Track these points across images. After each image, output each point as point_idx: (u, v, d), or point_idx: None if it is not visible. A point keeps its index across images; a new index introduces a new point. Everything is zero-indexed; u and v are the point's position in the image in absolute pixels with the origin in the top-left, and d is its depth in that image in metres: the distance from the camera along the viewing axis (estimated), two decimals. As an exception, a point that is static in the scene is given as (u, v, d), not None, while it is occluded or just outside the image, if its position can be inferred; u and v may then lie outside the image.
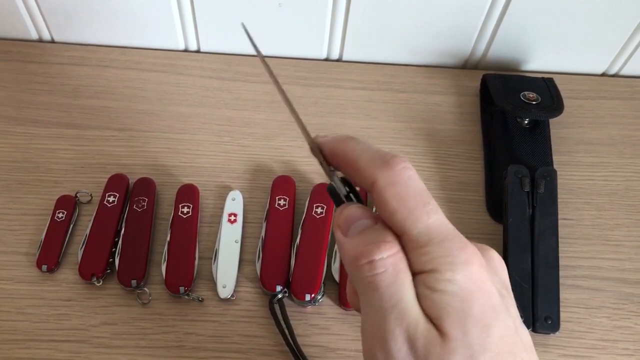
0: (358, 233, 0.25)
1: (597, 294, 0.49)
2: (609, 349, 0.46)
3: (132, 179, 0.52)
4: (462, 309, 0.23)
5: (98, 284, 0.47)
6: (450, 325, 0.22)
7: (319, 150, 0.28)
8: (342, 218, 0.26)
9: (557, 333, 0.46)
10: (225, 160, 0.56)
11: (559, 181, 0.52)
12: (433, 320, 0.23)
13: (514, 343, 0.23)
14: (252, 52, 0.64)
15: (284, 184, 0.52)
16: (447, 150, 0.58)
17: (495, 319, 0.23)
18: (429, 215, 0.24)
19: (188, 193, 0.51)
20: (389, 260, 0.24)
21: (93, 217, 0.49)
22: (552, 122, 0.58)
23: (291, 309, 0.47)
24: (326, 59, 0.65)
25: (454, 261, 0.23)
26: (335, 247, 0.49)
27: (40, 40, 0.65)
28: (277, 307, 0.46)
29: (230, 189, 0.53)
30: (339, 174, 0.28)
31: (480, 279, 0.23)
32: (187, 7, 0.60)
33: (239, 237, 0.49)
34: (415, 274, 0.24)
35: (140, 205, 0.50)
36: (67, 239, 0.49)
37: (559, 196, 0.51)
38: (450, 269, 0.23)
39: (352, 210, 0.26)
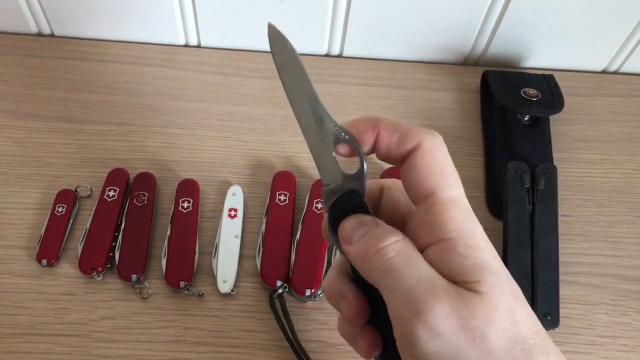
0: (361, 237, 0.26)
1: (597, 290, 0.49)
2: (608, 345, 0.46)
3: (132, 174, 0.52)
4: (494, 270, 0.24)
5: (98, 279, 0.47)
6: (489, 285, 0.24)
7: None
8: (345, 233, 0.27)
9: (556, 329, 0.46)
10: (226, 155, 0.55)
11: (559, 178, 0.52)
12: (466, 283, 0.24)
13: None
14: (253, 47, 0.64)
15: (284, 179, 0.52)
16: (447, 147, 0.58)
17: (515, 283, 0.25)
18: (458, 187, 0.26)
19: (188, 188, 0.51)
20: (398, 244, 0.25)
21: (93, 211, 0.49)
22: (552, 118, 0.58)
23: (291, 304, 0.47)
24: (327, 55, 0.65)
25: (475, 230, 0.25)
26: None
27: (40, 35, 0.65)
28: (277, 302, 0.46)
29: (230, 184, 0.53)
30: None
31: (494, 249, 0.26)
32: (188, 2, 0.60)
33: (239, 232, 0.49)
34: (432, 242, 0.25)
35: (140, 200, 0.50)
36: (67, 234, 0.49)
37: (559, 193, 0.51)
38: (473, 236, 0.25)
39: (350, 222, 0.27)
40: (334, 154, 0.29)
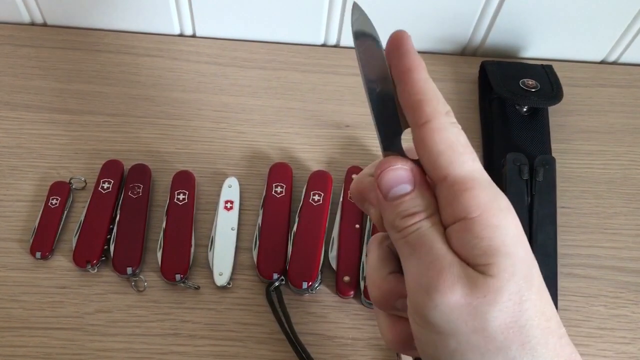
0: (396, 199, 0.26)
1: (595, 282, 0.49)
2: (606, 337, 0.46)
3: (127, 166, 0.52)
4: (508, 252, 0.24)
5: (93, 271, 0.46)
6: (498, 268, 0.24)
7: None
8: (383, 182, 0.27)
9: (554, 321, 0.46)
10: (222, 146, 0.55)
11: (558, 169, 0.52)
12: (478, 265, 0.24)
13: (544, 285, 0.26)
14: (249, 37, 0.63)
15: (280, 171, 0.52)
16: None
17: (534, 262, 0.25)
18: (474, 161, 0.25)
19: (184, 180, 0.51)
20: (418, 224, 0.26)
21: (87, 203, 0.49)
22: (551, 109, 0.58)
23: (288, 296, 0.46)
24: (323, 45, 0.65)
25: (500, 205, 0.25)
26: (333, 235, 0.49)
27: (33, 24, 0.64)
28: (273, 295, 0.46)
29: (226, 175, 0.52)
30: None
31: (519, 224, 0.25)
32: (183, -9, 0.59)
33: (235, 225, 0.49)
34: (455, 221, 0.25)
35: (135, 192, 0.50)
36: (61, 226, 0.48)
37: (557, 184, 0.51)
38: (497, 215, 0.24)
39: (392, 174, 0.27)
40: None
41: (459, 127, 0.26)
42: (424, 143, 0.25)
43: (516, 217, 0.25)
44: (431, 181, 0.27)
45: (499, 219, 0.24)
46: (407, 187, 0.26)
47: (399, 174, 0.27)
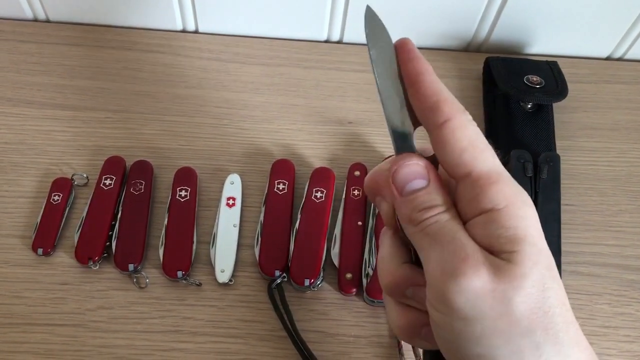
0: (411, 194, 0.27)
1: (599, 280, 0.48)
2: (610, 336, 0.46)
3: (129, 162, 0.52)
4: (533, 242, 0.25)
5: (95, 268, 0.46)
6: (523, 255, 0.24)
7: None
8: (398, 178, 0.27)
9: (558, 319, 0.45)
10: (224, 143, 0.55)
11: (562, 166, 0.51)
12: (503, 252, 0.25)
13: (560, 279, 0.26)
14: (251, 33, 0.63)
15: (283, 168, 0.51)
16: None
17: (552, 256, 0.26)
18: (494, 157, 0.26)
19: (186, 176, 0.51)
20: (437, 217, 0.26)
21: (89, 200, 0.49)
22: (556, 106, 0.57)
23: (290, 294, 0.46)
24: (327, 41, 0.64)
25: (524, 199, 0.25)
26: (335, 232, 0.48)
27: (35, 20, 0.63)
28: (275, 292, 0.46)
29: (228, 172, 0.52)
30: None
31: (538, 220, 0.26)
32: (185, -14, 0.59)
33: (237, 221, 0.49)
34: (480, 214, 0.25)
35: (137, 189, 0.49)
36: (63, 222, 0.48)
37: (561, 181, 0.50)
38: (522, 207, 0.25)
39: (407, 170, 0.27)
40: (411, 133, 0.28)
41: (475, 124, 0.27)
42: (445, 142, 0.26)
43: (536, 213, 0.26)
44: (448, 179, 0.27)
45: (523, 211, 0.25)
46: (423, 182, 0.27)
47: (414, 169, 0.27)
